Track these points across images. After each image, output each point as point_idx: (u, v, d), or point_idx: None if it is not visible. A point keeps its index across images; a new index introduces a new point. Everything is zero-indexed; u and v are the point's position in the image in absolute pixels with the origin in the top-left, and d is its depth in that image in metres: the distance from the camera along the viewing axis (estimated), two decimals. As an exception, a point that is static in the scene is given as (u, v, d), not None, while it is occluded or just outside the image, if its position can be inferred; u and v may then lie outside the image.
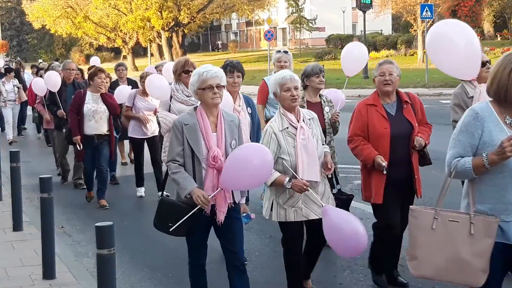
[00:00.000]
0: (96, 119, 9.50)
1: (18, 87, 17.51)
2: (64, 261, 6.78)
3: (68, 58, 74.03)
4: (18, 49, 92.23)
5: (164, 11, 56.21)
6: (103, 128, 9.59)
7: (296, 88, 5.41)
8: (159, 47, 65.66)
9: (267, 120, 7.66)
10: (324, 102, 6.91)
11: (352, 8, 67.28)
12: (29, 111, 19.24)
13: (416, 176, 5.77)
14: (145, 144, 10.34)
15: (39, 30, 75.31)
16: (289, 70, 5.69)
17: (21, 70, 20.94)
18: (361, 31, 43.32)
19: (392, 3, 46.12)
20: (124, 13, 58.68)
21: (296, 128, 5.37)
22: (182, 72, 7.57)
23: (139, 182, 10.35)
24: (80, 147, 9.54)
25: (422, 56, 40.62)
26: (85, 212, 9.52)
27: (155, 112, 9.89)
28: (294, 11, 68.61)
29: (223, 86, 5.01)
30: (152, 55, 66.70)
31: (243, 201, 5.58)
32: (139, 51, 79.32)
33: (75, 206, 9.90)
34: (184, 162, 4.94)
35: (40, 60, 57.20)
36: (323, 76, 6.90)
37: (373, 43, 53.82)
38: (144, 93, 9.83)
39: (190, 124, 4.94)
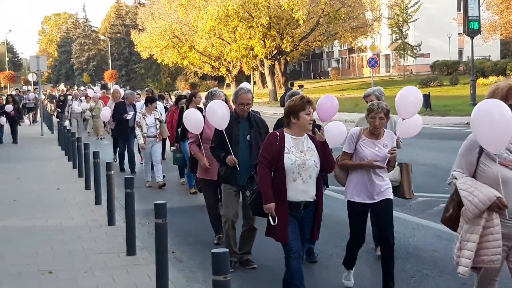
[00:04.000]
0: (303, 178, 5.95)
1: (160, 121, 14.20)
2: (176, 286, 6.83)
3: (174, 86, 76.44)
4: (127, 78, 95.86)
5: (267, 39, 56.93)
6: (312, 191, 6.05)
7: None
8: (262, 75, 66.59)
9: None
10: None
11: (459, 33, 65.85)
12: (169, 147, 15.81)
13: None
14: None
15: (147, 60, 78.13)
16: None
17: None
18: (468, 57, 42.29)
19: (501, 29, 44.80)
20: (228, 43, 59.88)
21: None
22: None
23: (348, 264, 7.00)
24: (274, 221, 5.91)
25: (533, 82, 39.05)
26: (194, 237, 9.60)
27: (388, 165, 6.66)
28: (398, 37, 67.95)
29: None
30: (255, 83, 67.62)
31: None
32: (242, 79, 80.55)
33: (184, 231, 10.00)
34: None
35: (147, 88, 58.92)
36: None
37: (481, 69, 52.39)
38: (372, 135, 6.66)
39: None
